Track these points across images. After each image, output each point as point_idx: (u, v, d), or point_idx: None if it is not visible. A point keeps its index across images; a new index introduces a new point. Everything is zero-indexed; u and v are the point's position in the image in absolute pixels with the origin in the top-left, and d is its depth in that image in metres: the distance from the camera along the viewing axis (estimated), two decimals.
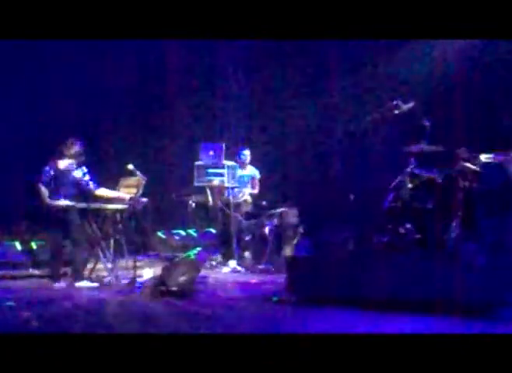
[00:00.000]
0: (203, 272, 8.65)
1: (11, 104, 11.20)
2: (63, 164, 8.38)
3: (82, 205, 8.42)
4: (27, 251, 10.22)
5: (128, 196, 8.56)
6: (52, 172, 8.36)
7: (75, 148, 8.44)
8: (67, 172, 8.34)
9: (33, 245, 10.25)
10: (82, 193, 8.43)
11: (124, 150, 11.59)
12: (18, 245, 10.26)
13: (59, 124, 10.99)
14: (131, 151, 11.21)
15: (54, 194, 8.34)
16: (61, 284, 8.33)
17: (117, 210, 8.68)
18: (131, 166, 8.63)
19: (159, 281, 7.68)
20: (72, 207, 8.27)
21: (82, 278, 8.35)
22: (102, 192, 8.51)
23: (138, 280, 8.20)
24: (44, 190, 8.36)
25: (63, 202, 8.27)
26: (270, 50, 12.01)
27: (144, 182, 8.65)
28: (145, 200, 8.74)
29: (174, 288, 7.56)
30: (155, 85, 12.55)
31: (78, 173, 8.38)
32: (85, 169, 8.46)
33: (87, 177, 8.42)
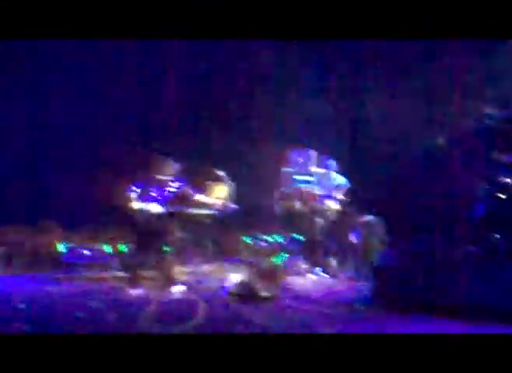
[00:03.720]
0: (289, 278, 8.71)
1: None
2: (157, 177, 8.50)
3: (174, 209, 8.60)
4: (116, 254, 10.48)
5: (218, 202, 8.67)
6: (144, 185, 8.50)
7: (171, 166, 8.57)
8: (160, 183, 8.42)
9: (122, 249, 10.50)
10: (177, 199, 8.54)
11: (211, 155, 11.72)
12: (107, 248, 10.53)
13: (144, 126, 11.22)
14: (220, 156, 11.34)
15: (145, 200, 8.46)
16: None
17: (205, 216, 8.82)
18: (220, 172, 8.76)
19: (247, 286, 7.79)
20: (163, 213, 8.39)
21: (175, 282, 8.51)
22: (199, 198, 8.60)
23: (225, 284, 8.30)
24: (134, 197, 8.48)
25: (154, 206, 8.39)
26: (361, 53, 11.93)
27: (232, 188, 8.77)
28: (233, 206, 8.85)
29: (261, 293, 7.66)
30: (242, 90, 12.65)
31: (172, 183, 8.46)
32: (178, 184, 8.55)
33: (177, 184, 8.49)
